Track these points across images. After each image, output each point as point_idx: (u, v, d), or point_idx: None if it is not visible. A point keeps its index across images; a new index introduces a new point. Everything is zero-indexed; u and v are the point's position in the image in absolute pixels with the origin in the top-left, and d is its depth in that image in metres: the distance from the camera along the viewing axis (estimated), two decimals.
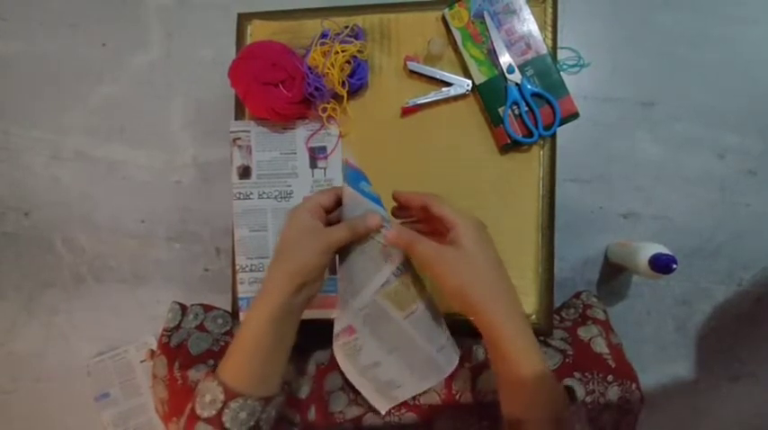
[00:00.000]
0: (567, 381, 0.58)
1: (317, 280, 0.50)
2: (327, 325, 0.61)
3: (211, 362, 0.64)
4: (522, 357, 0.45)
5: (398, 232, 0.51)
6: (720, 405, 0.83)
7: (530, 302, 0.66)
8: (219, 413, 0.45)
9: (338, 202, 0.54)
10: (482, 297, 0.46)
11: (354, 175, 0.56)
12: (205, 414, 0.45)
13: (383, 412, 0.61)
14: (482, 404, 0.59)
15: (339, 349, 0.60)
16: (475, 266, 0.47)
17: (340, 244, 0.50)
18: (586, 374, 0.59)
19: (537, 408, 0.45)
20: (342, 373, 0.64)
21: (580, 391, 0.57)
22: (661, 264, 0.64)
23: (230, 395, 0.45)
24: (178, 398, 0.62)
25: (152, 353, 0.87)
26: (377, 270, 0.54)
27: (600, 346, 0.63)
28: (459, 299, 0.47)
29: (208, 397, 0.45)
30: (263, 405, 0.46)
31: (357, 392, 0.61)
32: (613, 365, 0.60)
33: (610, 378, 0.59)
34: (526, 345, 0.46)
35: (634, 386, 0.59)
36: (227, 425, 0.45)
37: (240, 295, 0.71)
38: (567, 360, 0.61)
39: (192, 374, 0.62)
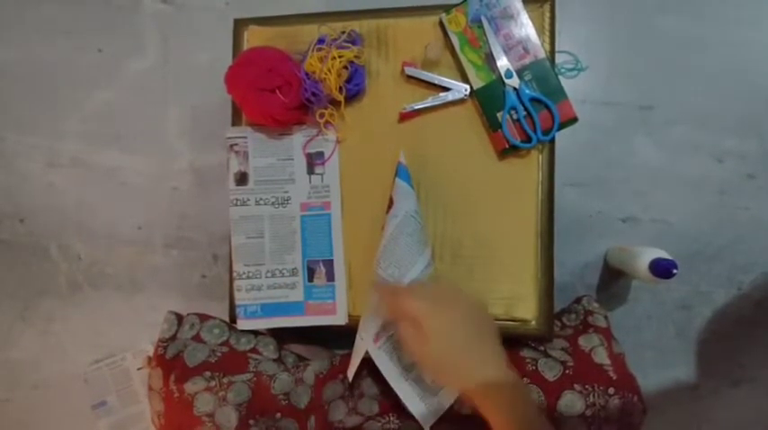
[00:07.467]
0: (567, 394, 0.58)
1: None
2: (328, 330, 0.61)
3: (208, 374, 0.63)
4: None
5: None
6: (721, 409, 0.83)
7: (529, 308, 0.65)
8: None
9: None
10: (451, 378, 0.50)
11: (402, 170, 0.65)
12: None
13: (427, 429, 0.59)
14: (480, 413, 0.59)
15: (379, 351, 0.59)
16: (438, 355, 0.48)
17: None
18: (587, 387, 0.58)
19: None
20: (348, 383, 0.64)
21: (580, 404, 0.57)
22: (661, 269, 0.64)
23: None
24: (174, 411, 0.61)
25: (149, 360, 0.87)
26: (422, 250, 0.61)
27: (601, 357, 0.62)
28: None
29: None
30: None
31: (359, 398, 0.61)
32: (614, 377, 0.60)
33: (611, 390, 0.58)
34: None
35: (636, 398, 0.58)
36: None
37: (237, 303, 0.70)
38: (568, 371, 0.61)
39: (189, 387, 0.61)
